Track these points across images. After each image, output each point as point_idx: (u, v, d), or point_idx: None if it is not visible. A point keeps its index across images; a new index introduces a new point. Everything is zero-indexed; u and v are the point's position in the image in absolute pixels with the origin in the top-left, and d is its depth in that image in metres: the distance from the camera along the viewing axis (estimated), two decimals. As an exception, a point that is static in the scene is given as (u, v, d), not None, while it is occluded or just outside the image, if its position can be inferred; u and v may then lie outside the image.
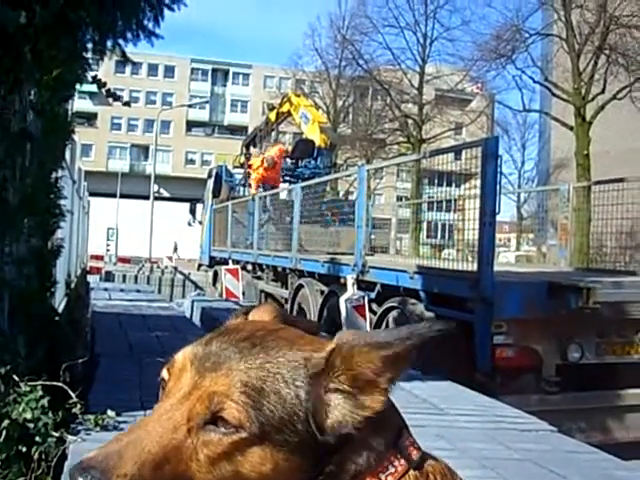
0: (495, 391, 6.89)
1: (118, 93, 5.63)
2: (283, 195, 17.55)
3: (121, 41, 4.54)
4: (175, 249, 47.39)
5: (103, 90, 5.33)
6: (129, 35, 4.48)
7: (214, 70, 71.76)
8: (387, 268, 9.03)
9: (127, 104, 6.07)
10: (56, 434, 3.59)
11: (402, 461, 0.94)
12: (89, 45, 4.65)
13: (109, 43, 4.57)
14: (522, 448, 4.32)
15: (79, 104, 46.26)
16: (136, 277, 25.49)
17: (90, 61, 5.06)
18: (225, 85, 72.55)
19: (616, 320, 7.56)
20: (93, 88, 5.65)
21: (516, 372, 7.40)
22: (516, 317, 7.05)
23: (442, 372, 6.69)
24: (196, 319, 11.57)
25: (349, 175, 20.76)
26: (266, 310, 1.07)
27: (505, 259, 24.16)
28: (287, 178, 19.25)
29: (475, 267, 7.12)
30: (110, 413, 4.12)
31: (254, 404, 0.87)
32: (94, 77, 5.22)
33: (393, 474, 0.94)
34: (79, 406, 3.98)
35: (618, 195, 10.95)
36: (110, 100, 5.86)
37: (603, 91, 24.27)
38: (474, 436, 4.42)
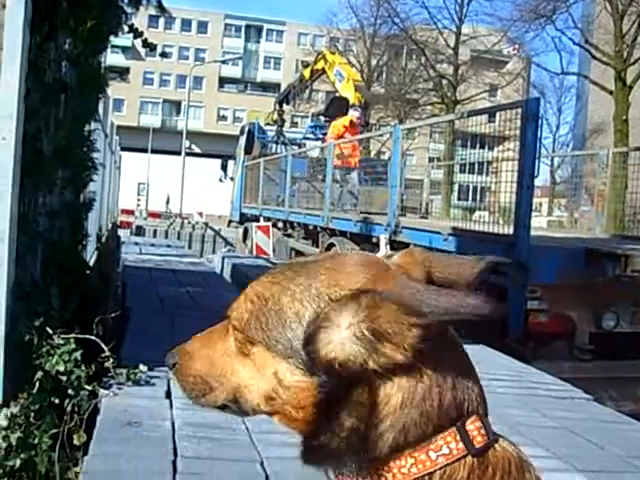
0: (527, 357, 6.82)
1: (155, 43, 5.54)
2: (316, 153, 17.46)
3: (158, -10, 4.44)
4: (167, 201, 47.07)
5: (139, 40, 5.25)
6: (166, -16, 4.38)
7: (247, 26, 71.26)
8: (420, 229, 8.93)
9: (164, 54, 6.05)
10: (89, 387, 3.58)
11: (460, 444, 0.89)
12: (126, -6, 4.57)
13: (146, -8, 4.48)
14: (558, 416, 4.25)
15: (112, 58, 46.23)
16: (167, 232, 25.60)
17: (126, 11, 4.97)
18: (258, 42, 72.08)
19: (654, 289, 7.43)
20: (126, 42, 5.60)
21: (549, 338, 7.32)
22: (551, 283, 6.94)
23: (473, 335, 6.63)
24: (227, 275, 11.57)
25: (381, 135, 20.55)
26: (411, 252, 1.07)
27: (537, 224, 23.91)
28: (320, 136, 19.14)
29: (511, 230, 7.01)
30: (142, 367, 4.10)
31: (256, 311, 0.96)
32: (130, 26, 5.13)
33: (447, 456, 0.88)
34: (111, 360, 3.97)
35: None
36: (143, 54, 5.80)
37: (645, 55, 23.73)
38: (509, 402, 4.35)
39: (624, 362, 7.63)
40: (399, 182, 9.55)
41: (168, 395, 3.91)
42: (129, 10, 4.92)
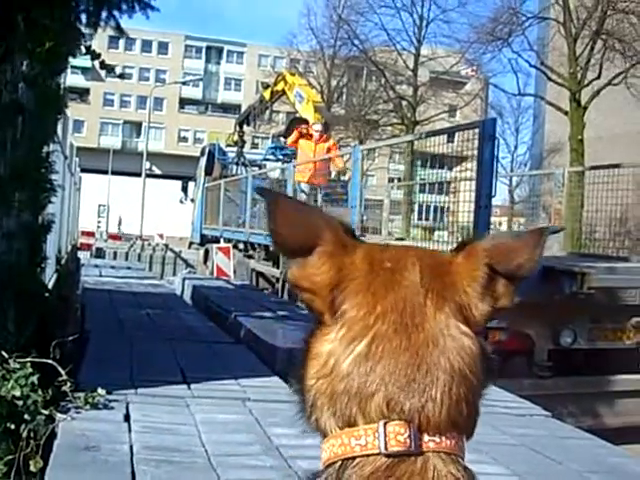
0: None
1: (112, 65, 5.53)
2: (276, 174, 17.49)
3: (116, 12, 4.44)
4: (119, 223, 46.72)
5: (97, 62, 5.23)
6: (124, 6, 4.38)
7: (208, 48, 71.29)
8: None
9: (122, 76, 6.03)
10: (45, 412, 3.53)
11: (376, 441, 0.86)
12: (83, 16, 4.55)
13: (104, 14, 4.47)
14: (517, 433, 4.29)
15: (72, 79, 45.93)
16: (127, 254, 25.39)
17: (84, 33, 4.95)
18: (219, 63, 72.12)
19: (609, 306, 7.55)
20: (86, 63, 5.57)
21: (508, 356, 7.38)
22: (510, 301, 7.00)
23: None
24: (187, 297, 11.52)
25: (342, 155, 20.65)
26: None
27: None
28: (280, 157, 19.19)
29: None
30: (100, 391, 4.06)
31: None
32: (88, 47, 5.11)
33: (362, 447, 0.86)
34: (69, 384, 3.92)
35: (611, 181, 10.94)
36: (103, 74, 5.79)
37: (599, 76, 24.18)
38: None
39: (582, 378, 7.73)
40: (359, 202, 9.61)
41: (127, 418, 3.87)
42: (87, 31, 4.90)
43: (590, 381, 7.75)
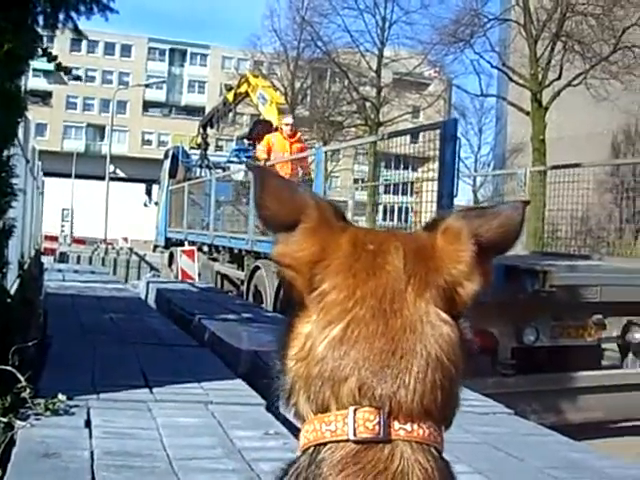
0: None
1: (70, 67, 5.47)
2: (240, 176, 17.45)
3: (73, 14, 4.39)
4: (70, 225, 46.24)
5: (54, 64, 5.17)
6: (82, 8, 4.34)
7: (172, 50, 70.89)
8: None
9: (78, 78, 5.95)
10: (4, 419, 3.48)
11: (345, 427, 0.85)
12: (40, 18, 4.50)
13: (61, 16, 4.42)
14: (480, 431, 4.32)
15: (34, 82, 45.37)
16: (91, 258, 25.11)
17: (42, 35, 4.90)
18: (183, 65, 71.75)
19: (571, 303, 7.64)
20: (48, 66, 5.49)
21: (471, 355, 7.43)
22: (473, 300, 7.06)
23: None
24: (151, 301, 11.44)
25: (306, 157, 20.66)
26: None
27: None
28: (244, 159, 19.14)
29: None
30: (61, 397, 4.01)
31: None
32: (44, 50, 5.05)
33: (332, 432, 0.86)
34: (28, 390, 3.87)
35: (572, 180, 11.08)
36: (65, 77, 5.72)
37: (559, 77, 24.50)
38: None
39: (545, 375, 7.82)
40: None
41: (88, 424, 3.83)
42: (44, 33, 4.85)
43: (552, 378, 7.85)
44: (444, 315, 0.89)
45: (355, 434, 0.85)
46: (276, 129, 18.54)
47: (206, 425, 4.06)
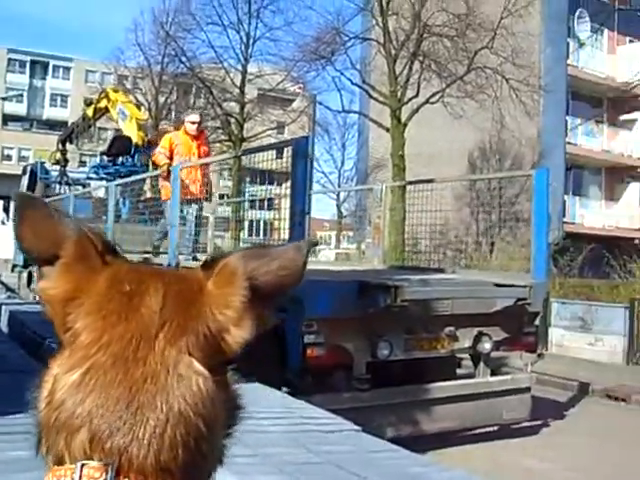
0: (307, 391, 6.92)
1: None
2: (101, 193, 17.05)
3: None
4: None
5: None
6: None
7: (33, 62, 68.46)
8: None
9: None
10: None
11: None
12: None
13: None
14: (324, 450, 4.30)
15: None
16: (-60, 280, 23.78)
17: None
18: (45, 78, 69.44)
19: (424, 317, 7.82)
20: None
21: (327, 371, 7.48)
22: (327, 316, 7.11)
23: (253, 374, 6.63)
24: (3, 324, 10.90)
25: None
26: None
27: (325, 258, 24.65)
28: (103, 175, 18.76)
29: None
30: None
31: None
32: None
33: None
34: None
35: (430, 195, 11.39)
36: None
37: (417, 95, 25.22)
38: (277, 440, 4.35)
39: (401, 388, 7.96)
40: (179, 221, 9.47)
41: None
42: None
43: (408, 390, 7.99)
44: (197, 366, 0.82)
45: None
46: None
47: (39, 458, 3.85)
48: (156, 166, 11.36)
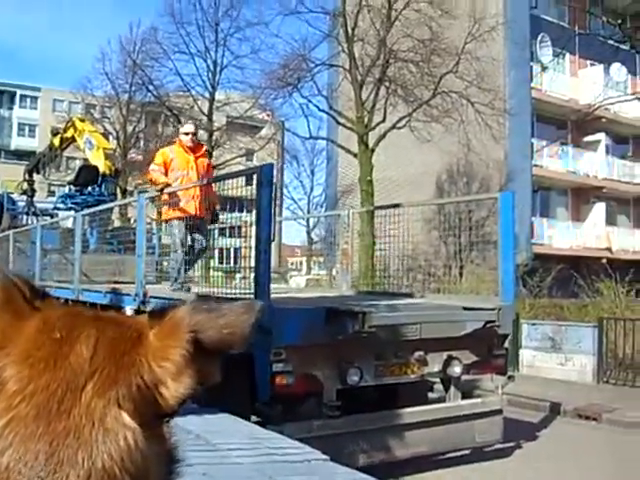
0: (277, 420, 6.87)
1: None
2: (69, 223, 16.93)
3: None
4: None
5: None
6: None
7: (0, 92, 68.11)
8: (168, 298, 8.78)
9: None
10: None
11: None
12: None
13: None
14: (290, 481, 4.27)
15: None
16: None
17: None
18: (12, 108, 68.96)
19: (392, 342, 7.80)
20: None
21: (297, 399, 7.43)
22: (295, 344, 7.07)
23: (222, 404, 6.56)
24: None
25: (136, 201, 20.36)
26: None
27: (295, 284, 24.56)
28: (71, 205, 18.64)
29: (253, 294, 7.08)
30: None
31: None
32: None
33: None
34: None
35: (399, 219, 11.40)
36: None
37: (384, 120, 25.34)
38: (244, 472, 4.31)
39: (371, 414, 7.91)
40: (146, 250, 9.40)
41: None
42: None
43: (379, 416, 7.95)
44: (126, 419, 0.79)
45: None
46: (103, 175, 18.11)
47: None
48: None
